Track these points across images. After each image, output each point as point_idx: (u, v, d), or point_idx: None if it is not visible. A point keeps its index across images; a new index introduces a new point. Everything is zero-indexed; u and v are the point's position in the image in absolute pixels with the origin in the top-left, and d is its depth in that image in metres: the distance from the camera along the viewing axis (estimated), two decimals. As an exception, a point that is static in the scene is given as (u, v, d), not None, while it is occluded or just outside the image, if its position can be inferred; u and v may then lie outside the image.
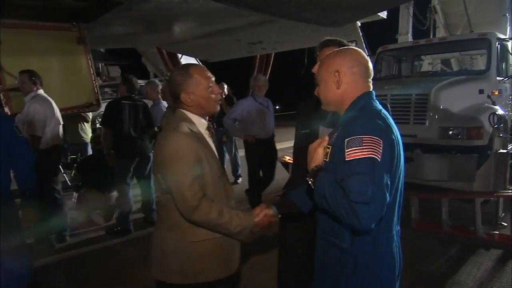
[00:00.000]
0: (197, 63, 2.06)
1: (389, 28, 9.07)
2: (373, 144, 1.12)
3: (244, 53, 11.21)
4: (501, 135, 4.36)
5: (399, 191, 1.27)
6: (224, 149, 6.43)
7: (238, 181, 6.37)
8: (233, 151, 6.40)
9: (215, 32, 8.16)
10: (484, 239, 3.61)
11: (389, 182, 1.14)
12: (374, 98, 1.34)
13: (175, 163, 1.50)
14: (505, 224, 3.92)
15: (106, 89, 10.33)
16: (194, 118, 1.63)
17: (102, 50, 12.46)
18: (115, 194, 4.33)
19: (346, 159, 1.14)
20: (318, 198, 1.23)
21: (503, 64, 5.31)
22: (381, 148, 1.13)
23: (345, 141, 1.16)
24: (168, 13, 6.07)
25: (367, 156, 1.11)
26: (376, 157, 1.11)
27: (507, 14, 6.74)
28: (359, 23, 8.29)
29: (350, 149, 1.14)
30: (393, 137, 1.21)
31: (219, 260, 1.63)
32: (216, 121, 6.35)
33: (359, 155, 1.12)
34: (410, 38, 8.44)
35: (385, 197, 1.11)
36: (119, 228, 4.09)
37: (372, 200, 1.08)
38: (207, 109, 1.64)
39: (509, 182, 4.33)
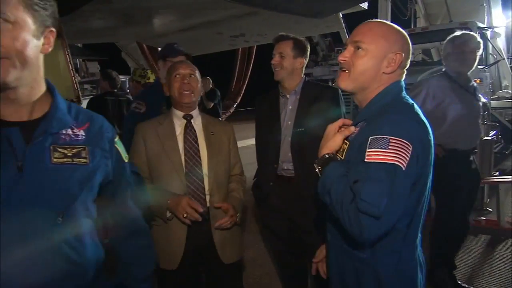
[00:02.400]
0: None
1: (368, 19, 9.14)
2: (401, 149, 0.95)
3: (227, 46, 11.07)
4: (484, 122, 4.44)
5: (426, 198, 1.11)
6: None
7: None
8: None
9: (196, 25, 8.02)
10: (472, 225, 3.68)
11: (408, 193, 0.99)
12: (404, 88, 1.15)
13: None
14: (491, 210, 4.02)
15: (86, 86, 10.01)
16: (175, 112, 1.76)
17: (79, 45, 12.04)
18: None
19: (365, 160, 0.97)
20: (321, 189, 1.08)
21: (483, 53, 5.42)
22: (409, 155, 0.96)
23: (369, 139, 0.99)
24: (148, 6, 5.90)
25: (391, 162, 0.94)
26: (401, 165, 0.94)
27: (485, 4, 6.88)
28: (341, 14, 8.31)
29: (373, 150, 0.97)
30: (428, 138, 1.05)
31: (160, 248, 1.63)
32: None
33: (382, 159, 0.95)
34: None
35: (399, 211, 0.98)
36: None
37: (383, 214, 0.93)
38: (176, 99, 1.72)
39: (494, 168, 4.44)
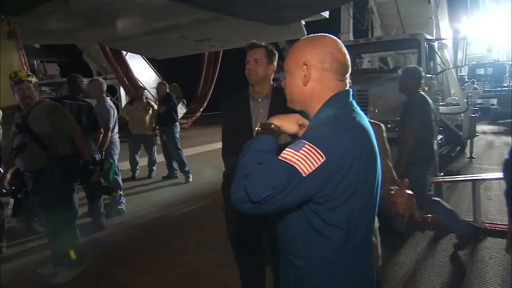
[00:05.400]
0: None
1: (331, 27, 9.53)
2: (309, 157, 0.95)
3: (192, 50, 11.08)
4: (431, 127, 4.79)
5: (366, 213, 1.09)
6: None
7: (189, 179, 6.30)
8: (176, 149, 6.30)
9: (161, 29, 8.00)
10: (420, 222, 3.97)
11: (299, 198, 0.98)
12: (351, 98, 1.13)
13: None
14: (437, 207, 4.33)
15: (44, 88, 9.63)
16: None
17: (37, 46, 11.56)
18: (57, 199, 4.08)
19: (279, 156, 0.99)
20: (244, 148, 1.10)
21: (431, 62, 5.84)
22: (316, 165, 0.95)
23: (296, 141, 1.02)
24: (109, 8, 5.83)
25: (293, 164, 0.95)
26: (301, 171, 0.94)
27: (433, 17, 7.40)
28: (303, 22, 8.62)
29: (288, 149, 0.98)
30: (360, 153, 1.01)
31: None
32: (158, 120, 6.24)
33: (288, 159, 0.96)
34: (351, 37, 8.94)
35: (278, 208, 0.99)
36: (63, 235, 3.86)
37: (260, 203, 0.94)
38: None
39: (441, 169, 4.79)
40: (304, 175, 0.94)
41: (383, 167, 1.54)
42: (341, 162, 0.97)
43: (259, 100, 2.20)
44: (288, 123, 1.15)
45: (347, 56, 1.13)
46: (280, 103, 2.13)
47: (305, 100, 1.14)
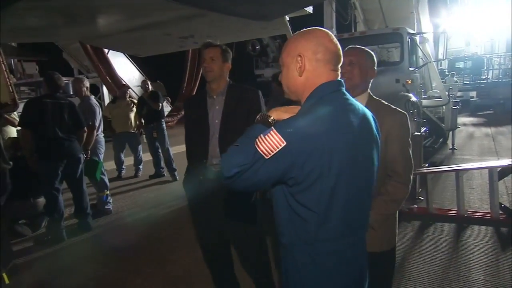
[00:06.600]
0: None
1: (315, 22, 9.57)
2: (272, 142, 1.05)
3: (176, 47, 10.95)
4: (415, 119, 4.89)
5: (335, 199, 1.12)
6: (157, 144, 6.29)
7: (176, 177, 6.25)
8: (166, 146, 6.26)
9: (144, 26, 7.86)
10: (406, 213, 4.06)
11: (265, 178, 1.08)
12: (339, 89, 1.18)
13: None
14: (422, 198, 4.43)
15: (22, 88, 9.34)
16: None
17: (13, 44, 11.19)
18: (42, 200, 3.99)
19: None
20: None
21: (414, 56, 5.95)
22: (276, 149, 1.04)
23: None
24: (90, 5, 5.69)
25: (257, 147, 1.06)
26: (263, 154, 1.05)
27: (414, 12, 7.53)
28: (287, 18, 8.63)
29: (261, 135, 1.08)
30: (316, 147, 1.06)
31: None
32: (145, 118, 6.16)
33: (257, 142, 1.06)
34: (334, 32, 9.01)
35: (250, 186, 1.11)
36: (49, 237, 3.78)
37: (232, 179, 1.08)
38: None
39: (425, 161, 4.89)
40: (266, 157, 1.05)
41: (390, 158, 1.67)
42: (299, 148, 1.06)
43: (215, 97, 2.27)
44: (284, 115, 1.20)
45: (339, 47, 1.19)
46: (233, 99, 2.24)
47: (299, 90, 1.21)
